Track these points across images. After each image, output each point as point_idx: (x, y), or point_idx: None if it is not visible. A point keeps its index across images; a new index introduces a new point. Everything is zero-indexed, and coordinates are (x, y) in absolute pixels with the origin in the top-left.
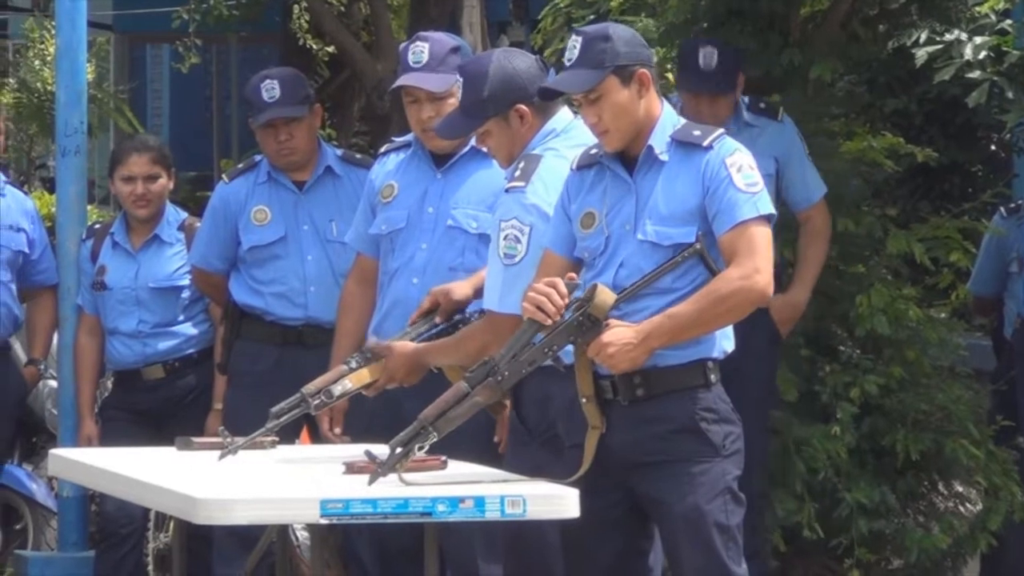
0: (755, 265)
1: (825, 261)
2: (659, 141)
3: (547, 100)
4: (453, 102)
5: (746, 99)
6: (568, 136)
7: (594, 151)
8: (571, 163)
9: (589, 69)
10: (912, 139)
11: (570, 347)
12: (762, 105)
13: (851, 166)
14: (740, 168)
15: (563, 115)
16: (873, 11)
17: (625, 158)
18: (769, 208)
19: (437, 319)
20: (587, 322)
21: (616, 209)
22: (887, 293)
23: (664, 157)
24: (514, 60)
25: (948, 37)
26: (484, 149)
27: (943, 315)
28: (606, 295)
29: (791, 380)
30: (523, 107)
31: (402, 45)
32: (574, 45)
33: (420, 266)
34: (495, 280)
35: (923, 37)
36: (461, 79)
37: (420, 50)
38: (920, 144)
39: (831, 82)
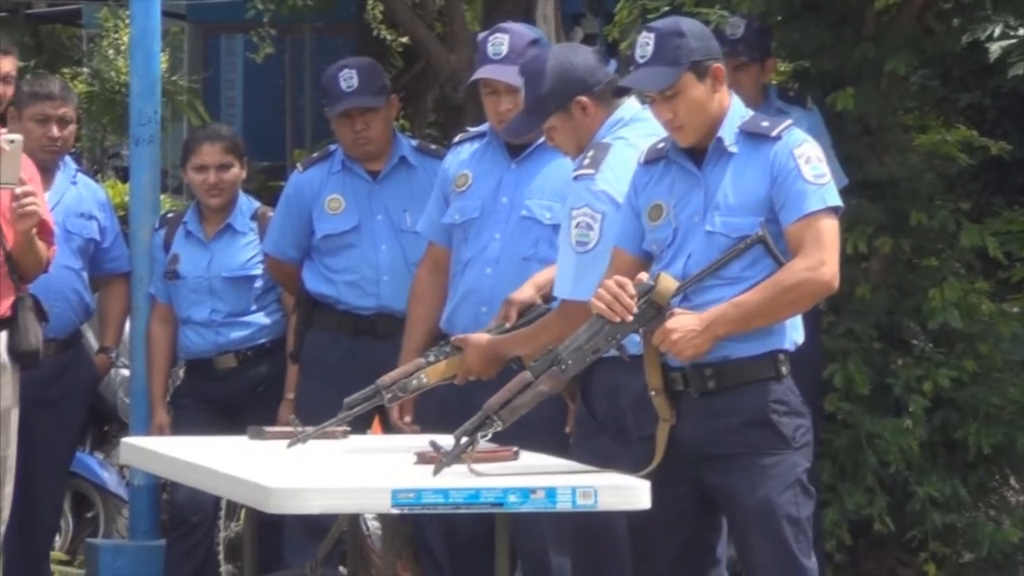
0: (821, 257)
1: (897, 254)
2: (728, 133)
3: (620, 97)
4: None
5: (776, 87)
6: (636, 125)
7: (661, 145)
8: (638, 158)
9: (665, 66)
10: (986, 133)
11: (636, 337)
12: (791, 93)
13: (925, 160)
14: (808, 159)
15: (630, 104)
16: (947, 5)
17: (692, 151)
18: (836, 200)
19: (507, 323)
20: (651, 310)
21: (684, 201)
22: (960, 287)
23: (733, 149)
24: (570, 54)
25: (1022, 32)
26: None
27: (1016, 309)
28: (669, 282)
29: (864, 373)
30: (584, 99)
31: (481, 36)
32: (646, 42)
33: (493, 256)
34: (567, 268)
35: (997, 31)
36: (522, 79)
37: (500, 42)
38: (994, 138)
39: (905, 76)
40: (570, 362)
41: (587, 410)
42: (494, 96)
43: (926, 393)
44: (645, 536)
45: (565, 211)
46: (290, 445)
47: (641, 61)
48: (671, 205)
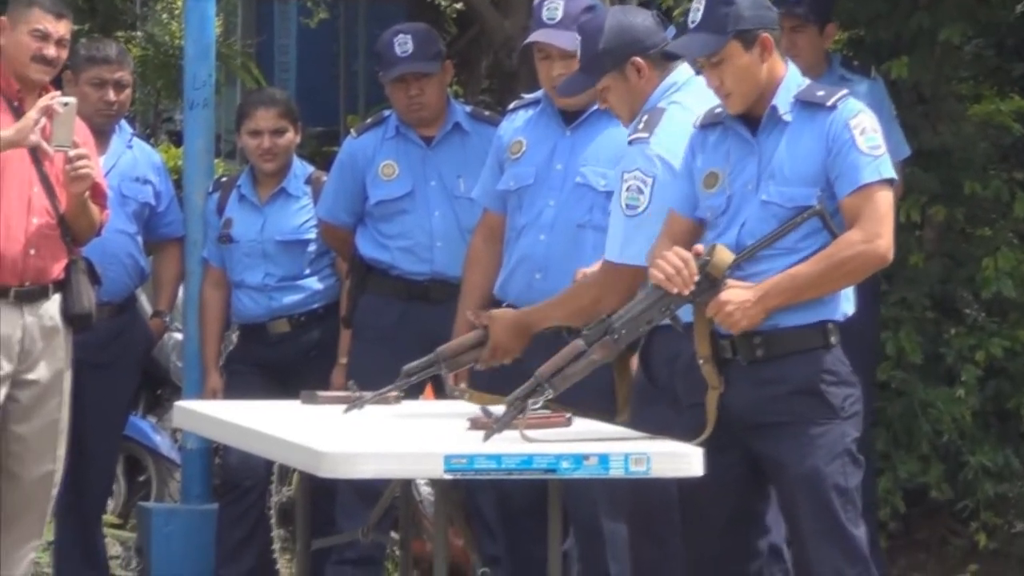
0: (877, 230)
1: (951, 223)
2: (783, 101)
3: (670, 61)
4: None
5: (839, 56)
6: (690, 89)
7: (718, 110)
8: (695, 121)
9: (711, 33)
10: None
11: (689, 307)
12: (855, 62)
13: (979, 129)
14: (863, 130)
15: (684, 69)
16: None
17: (748, 118)
18: (891, 172)
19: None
20: (705, 282)
21: (739, 169)
22: (1013, 256)
23: (788, 117)
24: (629, 14)
25: None
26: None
27: None
28: (724, 254)
29: (916, 342)
30: (639, 60)
31: (536, 1)
32: (697, 7)
33: (548, 222)
34: (616, 230)
35: None
36: (579, 37)
37: (555, 7)
38: None
39: (959, 45)
40: (623, 331)
41: (646, 377)
42: (547, 61)
43: (979, 362)
44: (695, 504)
45: (617, 174)
46: (347, 410)
47: (691, 26)
48: (726, 173)
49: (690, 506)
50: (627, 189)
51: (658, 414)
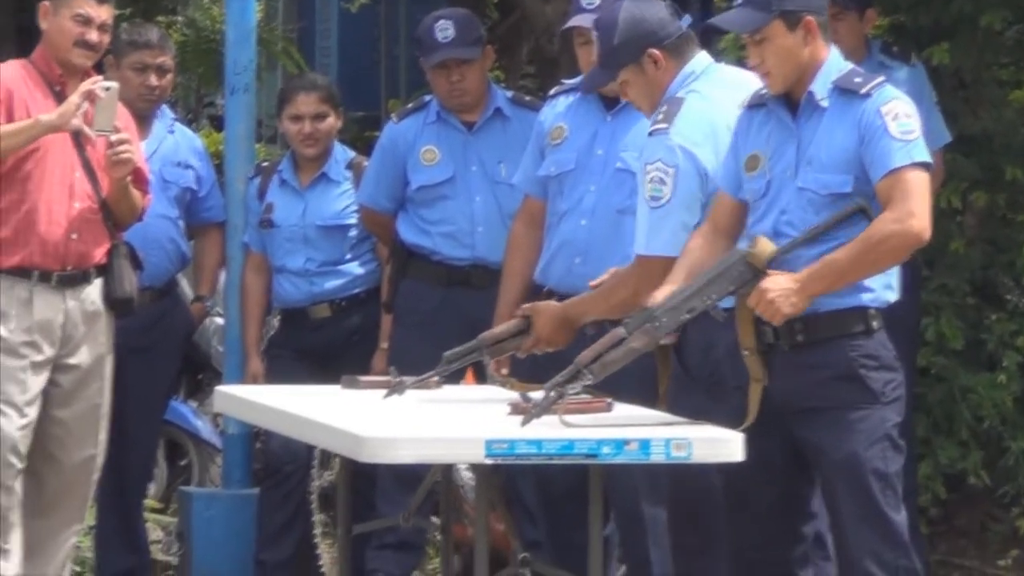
0: (909, 208)
1: (992, 209)
2: (821, 87)
3: (712, 34)
4: None
5: (879, 41)
6: (708, 78)
7: (764, 91)
8: (742, 102)
9: (756, 11)
10: None
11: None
12: (895, 48)
13: (1020, 115)
14: (896, 116)
15: (701, 58)
16: None
17: (790, 102)
18: (924, 156)
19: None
20: (748, 272)
21: (779, 153)
22: None
23: (825, 103)
24: (643, 7)
25: None
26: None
27: None
28: (766, 245)
29: (957, 328)
30: (655, 51)
31: None
32: None
33: (589, 208)
34: (642, 223)
35: None
36: (596, 33)
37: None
38: None
39: (1000, 31)
40: (664, 320)
41: (681, 366)
42: (587, 47)
43: (1020, 348)
44: (737, 489)
45: (640, 166)
46: (387, 395)
47: (737, 2)
48: (767, 156)
49: (734, 491)
50: (650, 180)
51: (694, 402)
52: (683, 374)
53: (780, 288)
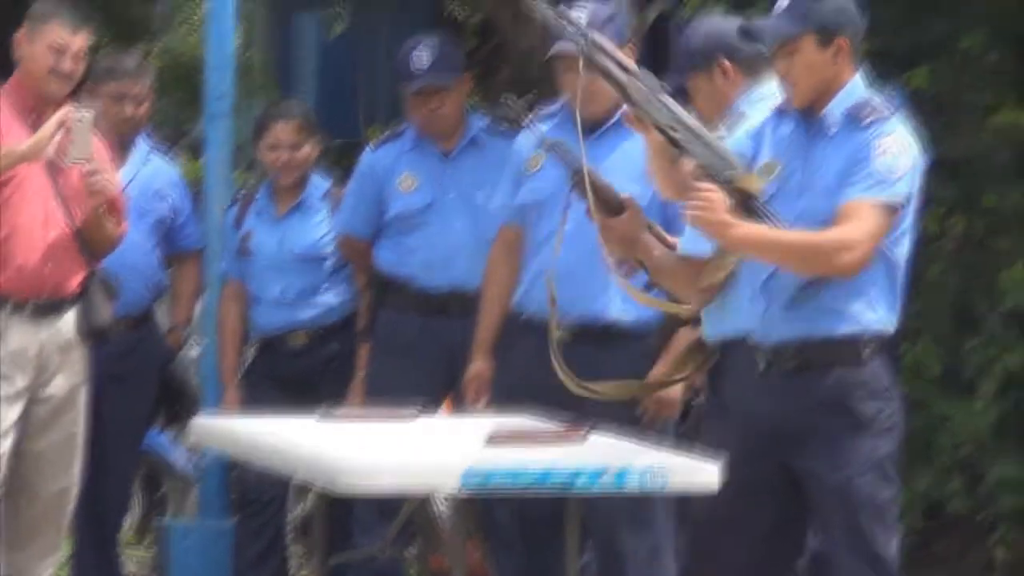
0: (857, 237)
1: (970, 234)
2: (835, 112)
3: (745, 39)
4: None
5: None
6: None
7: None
8: (773, 104)
9: (791, 22)
10: None
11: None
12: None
13: (999, 138)
14: (884, 151)
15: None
16: None
17: (810, 118)
18: (895, 199)
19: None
20: (723, 178)
21: (791, 168)
22: None
23: (834, 130)
24: (721, 21)
25: None
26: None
27: None
28: (755, 181)
29: (935, 354)
30: (727, 63)
31: (560, 9)
32: None
33: (568, 235)
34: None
35: None
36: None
37: (579, 18)
38: None
39: (980, 53)
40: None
41: (712, 391)
42: (571, 73)
43: (998, 375)
44: (731, 514)
45: None
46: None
47: (776, 12)
48: (782, 166)
49: (729, 516)
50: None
51: (723, 429)
52: (714, 399)
53: (717, 207)
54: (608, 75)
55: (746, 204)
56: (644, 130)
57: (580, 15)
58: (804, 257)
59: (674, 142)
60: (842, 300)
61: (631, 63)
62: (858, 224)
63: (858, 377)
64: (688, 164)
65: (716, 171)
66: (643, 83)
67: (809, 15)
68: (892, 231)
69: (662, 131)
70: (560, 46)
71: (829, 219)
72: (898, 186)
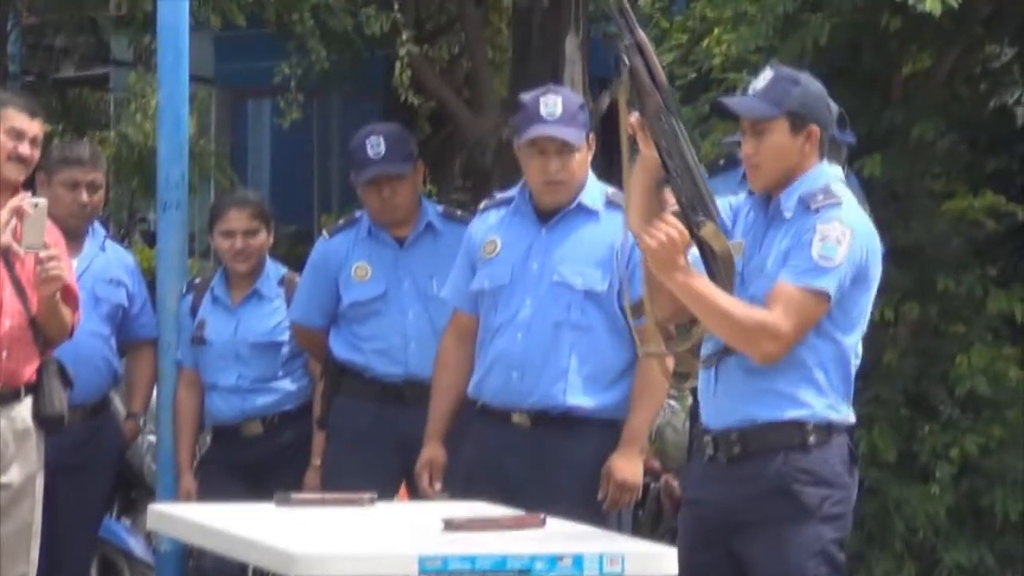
0: (783, 329)
1: (925, 320)
2: (791, 197)
3: (719, 113)
4: (580, 157)
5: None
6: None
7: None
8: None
9: (768, 104)
10: (1013, 198)
11: None
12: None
13: (952, 226)
14: (824, 238)
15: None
16: (975, 70)
17: (768, 203)
18: (828, 288)
19: None
20: (692, 221)
21: (752, 251)
22: (987, 353)
23: (788, 215)
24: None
25: None
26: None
27: None
28: (718, 236)
29: (890, 440)
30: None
31: (528, 97)
32: (765, 76)
33: (525, 322)
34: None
35: None
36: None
37: (554, 103)
38: (1021, 204)
39: (933, 141)
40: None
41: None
42: (542, 157)
43: (953, 460)
44: None
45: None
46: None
47: (751, 92)
48: (745, 246)
49: None
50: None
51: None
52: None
53: (676, 246)
54: (637, 76)
55: (705, 257)
56: (644, 144)
57: (555, 102)
58: (732, 331)
59: (666, 167)
60: (790, 385)
61: (662, 76)
62: (786, 312)
63: (803, 463)
64: (669, 195)
65: (692, 212)
66: (665, 101)
67: (784, 100)
68: (845, 317)
69: (660, 153)
70: (539, 128)
71: None
72: (830, 275)
